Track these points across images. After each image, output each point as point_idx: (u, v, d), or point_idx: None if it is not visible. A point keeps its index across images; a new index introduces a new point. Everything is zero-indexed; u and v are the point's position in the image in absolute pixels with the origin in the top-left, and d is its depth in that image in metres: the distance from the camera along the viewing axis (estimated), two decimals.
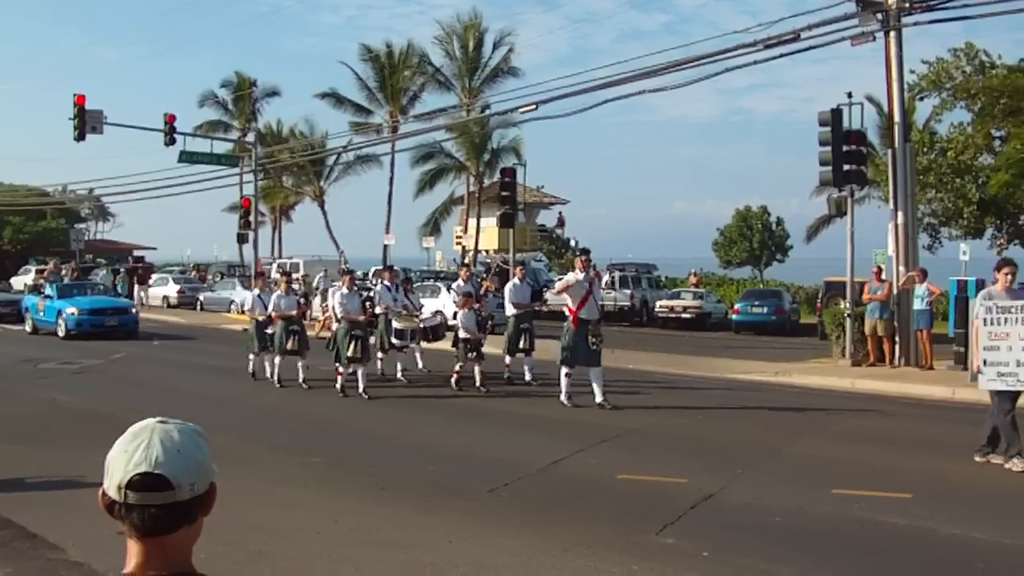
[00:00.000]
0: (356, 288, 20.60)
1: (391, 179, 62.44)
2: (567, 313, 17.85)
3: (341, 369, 19.25)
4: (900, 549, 8.97)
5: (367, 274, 49.99)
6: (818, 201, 54.16)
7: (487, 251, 57.05)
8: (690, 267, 54.44)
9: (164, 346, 30.49)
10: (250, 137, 62.68)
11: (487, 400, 18.58)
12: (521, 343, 20.64)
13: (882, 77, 24.34)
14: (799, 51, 24.94)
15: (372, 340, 20.72)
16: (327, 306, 34.93)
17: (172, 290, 51.53)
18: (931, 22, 23.50)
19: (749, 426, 15.98)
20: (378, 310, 21.89)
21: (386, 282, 22.52)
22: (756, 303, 39.90)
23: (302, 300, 22.66)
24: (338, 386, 19.18)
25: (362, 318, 19.67)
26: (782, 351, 27.92)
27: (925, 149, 28.64)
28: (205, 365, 25.54)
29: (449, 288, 39.07)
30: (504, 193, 33.93)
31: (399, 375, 21.44)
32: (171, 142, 40.43)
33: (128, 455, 2.21)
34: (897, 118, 24.26)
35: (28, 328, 35.29)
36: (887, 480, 11.64)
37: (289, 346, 20.57)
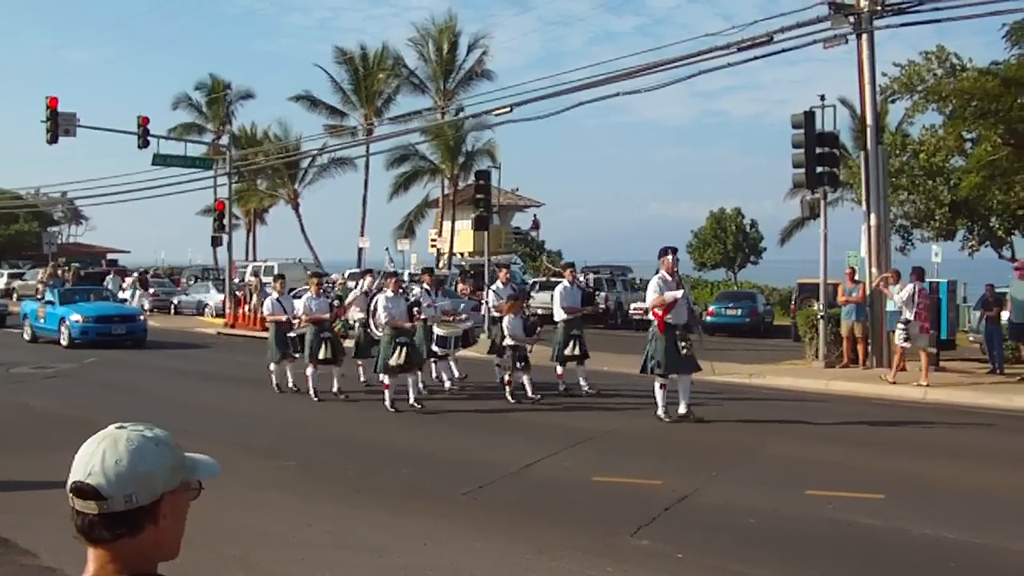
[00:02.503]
0: (402, 292, 18.97)
1: (366, 182, 62.58)
2: (651, 318, 16.48)
3: (388, 381, 17.54)
4: (873, 550, 9.01)
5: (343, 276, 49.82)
6: (792, 203, 54.53)
7: (461, 254, 57.07)
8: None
9: (138, 350, 30.25)
10: (224, 140, 62.61)
11: (460, 404, 18.55)
12: (569, 350, 19.19)
13: (854, 80, 24.49)
14: (772, 54, 25.05)
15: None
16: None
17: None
18: (902, 25, 23.64)
19: (723, 428, 16.02)
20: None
21: (425, 285, 21.03)
22: (730, 305, 40.09)
23: (335, 303, 21.01)
24: (387, 401, 17.44)
25: (408, 325, 18.10)
26: (756, 353, 28.04)
27: (897, 151, 28.81)
28: (180, 369, 25.42)
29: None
30: (479, 196, 33.91)
31: (446, 385, 19.98)
32: (145, 145, 40.18)
33: (77, 461, 2.21)
34: (869, 120, 24.36)
35: (27, 336, 33.13)
36: (860, 481, 11.70)
37: (322, 355, 19.03)
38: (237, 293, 41.35)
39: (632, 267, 53.80)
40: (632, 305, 42.00)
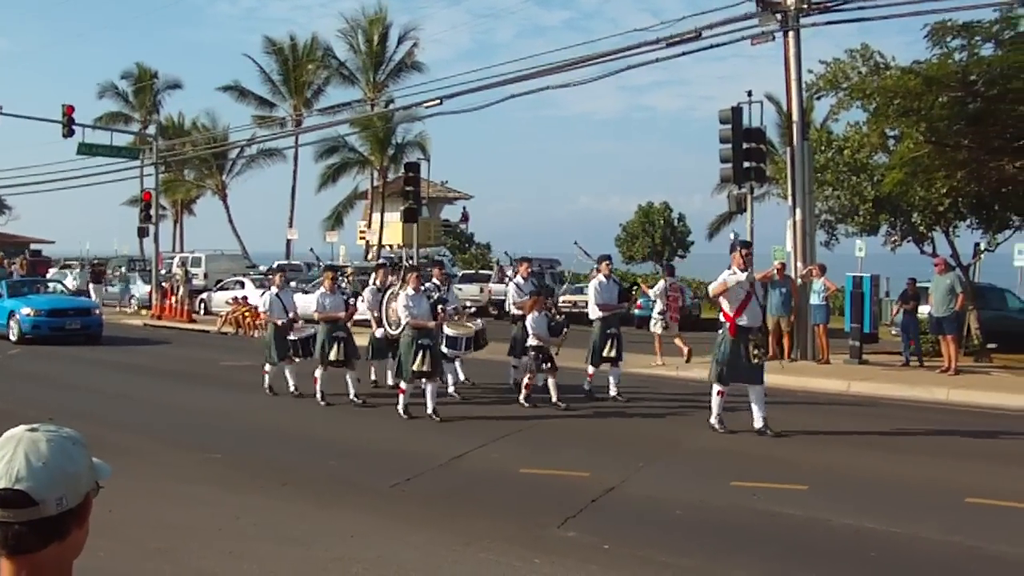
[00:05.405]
0: (424, 290, 16.96)
1: (295, 173, 62.38)
2: (722, 319, 14.97)
3: (404, 386, 16.14)
4: (796, 539, 9.15)
5: (269, 269, 49.52)
6: (720, 198, 54.98)
7: (390, 246, 56.92)
8: (594, 263, 54.56)
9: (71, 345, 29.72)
10: (151, 129, 61.96)
11: (390, 398, 18.43)
12: (607, 351, 17.95)
13: (781, 76, 24.75)
14: (701, 49, 25.27)
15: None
16: (235, 300, 34.36)
17: (71, 285, 50.35)
18: (828, 23, 23.93)
19: (650, 420, 16.14)
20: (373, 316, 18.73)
21: (435, 280, 19.23)
22: None
23: (351, 300, 19.03)
24: (400, 407, 16.12)
25: (432, 325, 16.27)
26: None
27: (823, 147, 29.06)
28: (104, 360, 25.08)
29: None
30: (408, 188, 33.87)
31: (450, 390, 18.31)
32: (70, 134, 39.60)
33: None
34: (795, 117, 24.65)
35: None
36: (784, 472, 11.87)
37: (333, 356, 17.51)
38: (164, 284, 40.91)
39: (560, 260, 53.86)
40: (561, 298, 42.04)
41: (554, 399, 16.94)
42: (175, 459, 12.94)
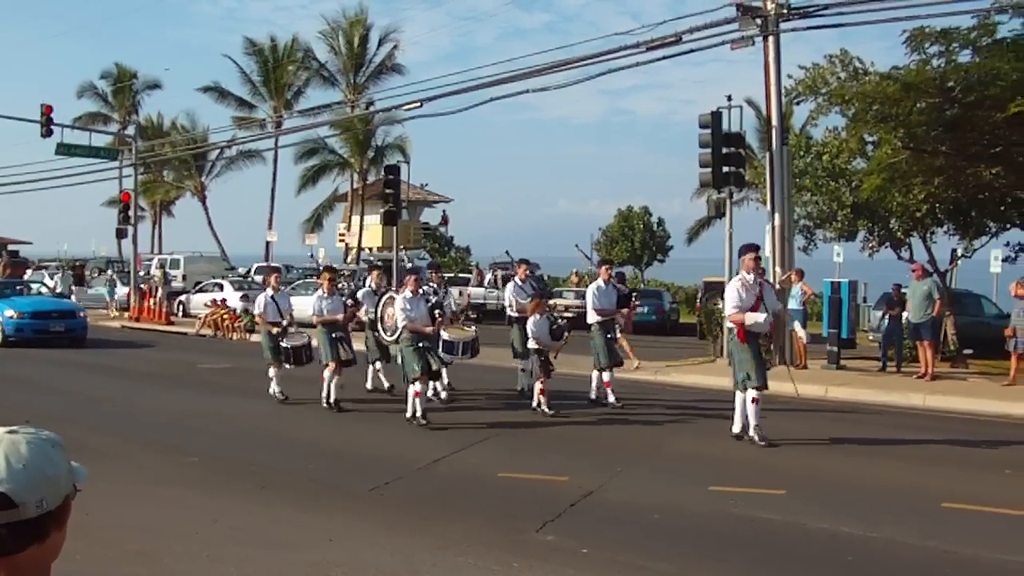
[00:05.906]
0: (422, 293, 16.68)
1: (274, 175, 62.15)
2: (731, 325, 14.94)
3: (419, 388, 15.65)
4: (774, 543, 9.18)
5: (248, 271, 49.49)
6: (699, 202, 55.12)
7: (370, 248, 56.88)
8: (572, 266, 54.65)
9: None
10: (130, 130, 61.78)
11: (367, 401, 18.43)
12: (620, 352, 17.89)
13: (760, 81, 24.86)
14: (681, 54, 25.31)
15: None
16: (214, 302, 34.27)
17: (52, 287, 50.03)
18: (808, 28, 23.99)
19: (629, 425, 16.15)
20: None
21: (432, 283, 18.97)
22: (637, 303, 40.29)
23: (349, 302, 18.61)
24: (418, 412, 15.60)
25: (430, 329, 15.98)
26: (662, 350, 28.24)
27: (801, 152, 29.18)
28: (86, 363, 24.95)
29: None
30: (388, 190, 33.84)
31: (428, 393, 16.89)
32: (48, 133, 39.47)
33: None
34: (775, 122, 24.72)
35: None
36: (761, 477, 11.92)
37: (344, 356, 17.23)
38: (142, 286, 40.79)
39: (540, 264, 53.91)
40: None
41: (535, 403, 16.86)
42: (153, 462, 12.90)
